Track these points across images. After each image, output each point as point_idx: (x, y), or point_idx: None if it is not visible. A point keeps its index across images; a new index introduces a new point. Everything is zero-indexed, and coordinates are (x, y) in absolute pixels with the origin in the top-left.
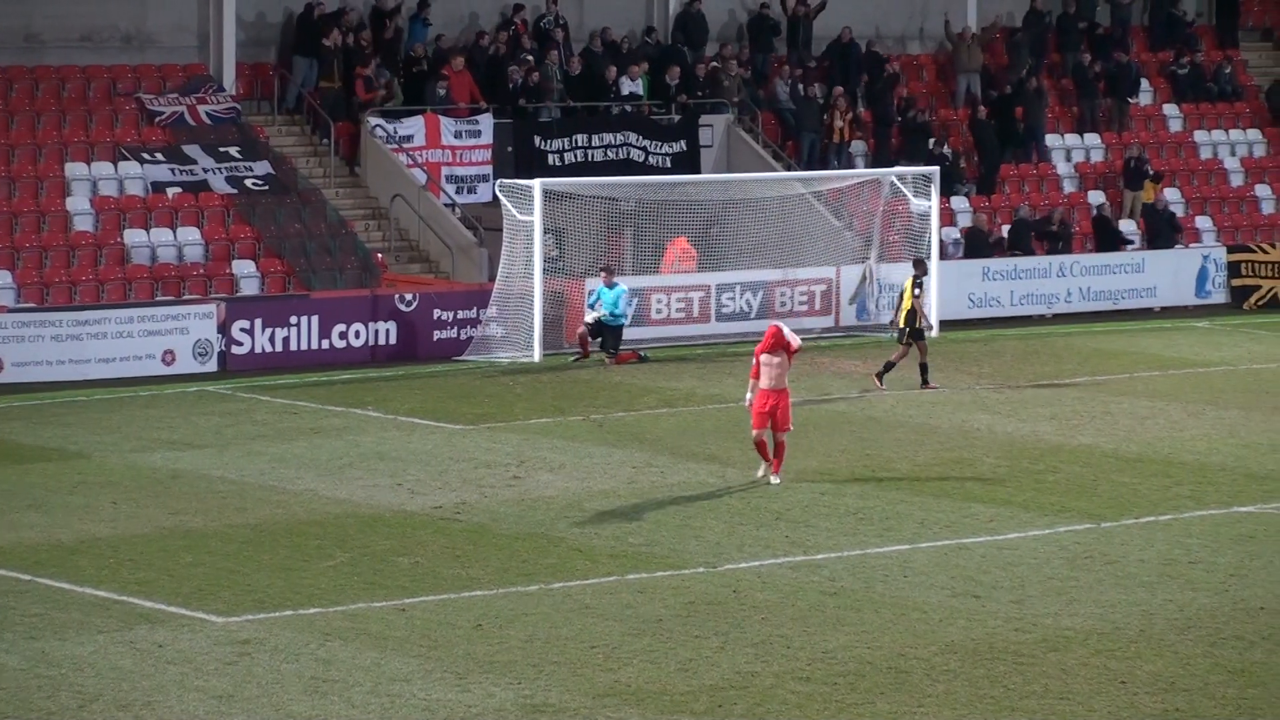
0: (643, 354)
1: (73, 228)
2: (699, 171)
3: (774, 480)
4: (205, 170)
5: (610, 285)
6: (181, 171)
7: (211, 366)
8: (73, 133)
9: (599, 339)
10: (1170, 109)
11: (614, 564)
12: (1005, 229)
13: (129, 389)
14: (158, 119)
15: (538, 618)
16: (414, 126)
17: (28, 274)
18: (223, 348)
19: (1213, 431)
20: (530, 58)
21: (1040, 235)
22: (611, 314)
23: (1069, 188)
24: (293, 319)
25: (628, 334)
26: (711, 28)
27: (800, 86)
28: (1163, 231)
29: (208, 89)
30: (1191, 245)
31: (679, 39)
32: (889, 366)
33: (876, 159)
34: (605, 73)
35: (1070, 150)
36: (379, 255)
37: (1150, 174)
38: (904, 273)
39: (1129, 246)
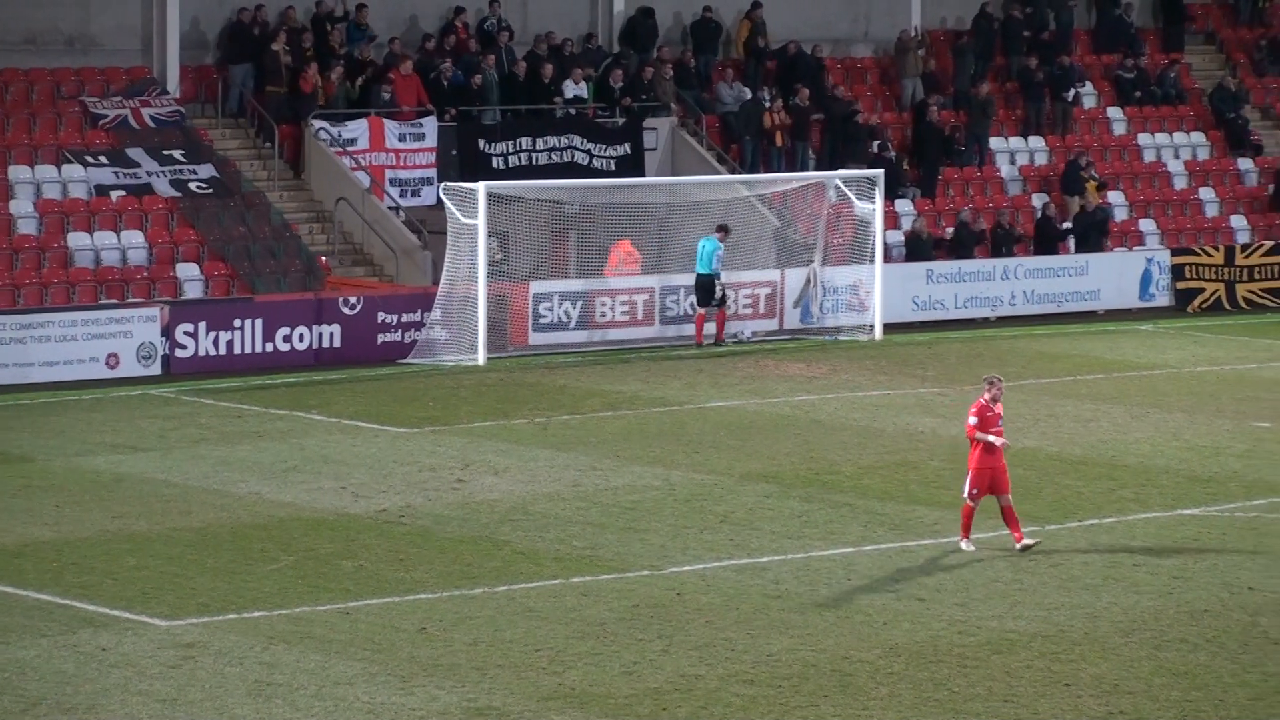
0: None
1: (16, 231)
2: (643, 174)
3: (1030, 542)
4: (149, 173)
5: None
6: (125, 174)
7: (155, 370)
8: (16, 135)
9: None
10: (1114, 112)
11: (558, 567)
12: (949, 231)
13: (72, 392)
14: (101, 122)
15: (482, 621)
16: (358, 130)
17: None
18: (166, 351)
19: (1156, 434)
20: (450, 59)
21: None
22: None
23: (1013, 190)
24: (237, 322)
25: (575, 337)
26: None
27: (743, 89)
28: (1090, 235)
29: (151, 92)
30: (1135, 248)
31: (627, 42)
32: None
33: (820, 162)
34: (546, 75)
35: (1014, 153)
36: (323, 258)
37: (1096, 180)
38: (849, 275)
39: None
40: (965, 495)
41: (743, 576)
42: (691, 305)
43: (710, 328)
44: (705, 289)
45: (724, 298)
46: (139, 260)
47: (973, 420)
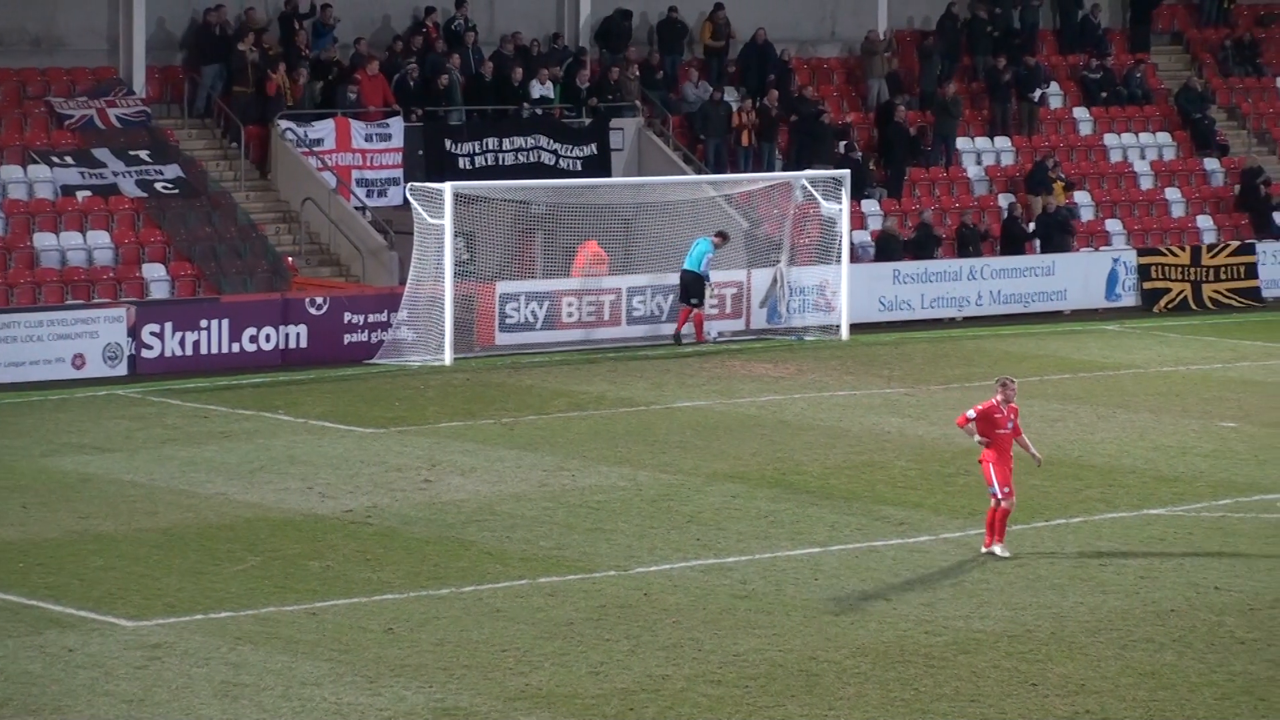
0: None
1: None
2: (609, 174)
3: (1004, 553)
4: (115, 174)
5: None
6: (91, 175)
7: (121, 370)
8: None
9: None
10: (1080, 112)
11: (525, 567)
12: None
13: (38, 393)
14: (67, 122)
15: (449, 621)
16: (324, 130)
17: None
18: (133, 351)
19: (1123, 434)
20: (416, 60)
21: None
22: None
23: (979, 191)
24: (203, 322)
25: (542, 337)
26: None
27: (709, 89)
28: (1053, 236)
29: (117, 92)
30: (1101, 248)
31: (601, 42)
32: None
33: (786, 162)
34: (513, 76)
35: (980, 153)
36: (289, 259)
37: (1063, 180)
38: (815, 275)
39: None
40: (999, 498)
41: (710, 576)
42: (658, 305)
43: (686, 326)
44: (687, 286)
45: (701, 301)
46: (105, 260)
47: (970, 414)
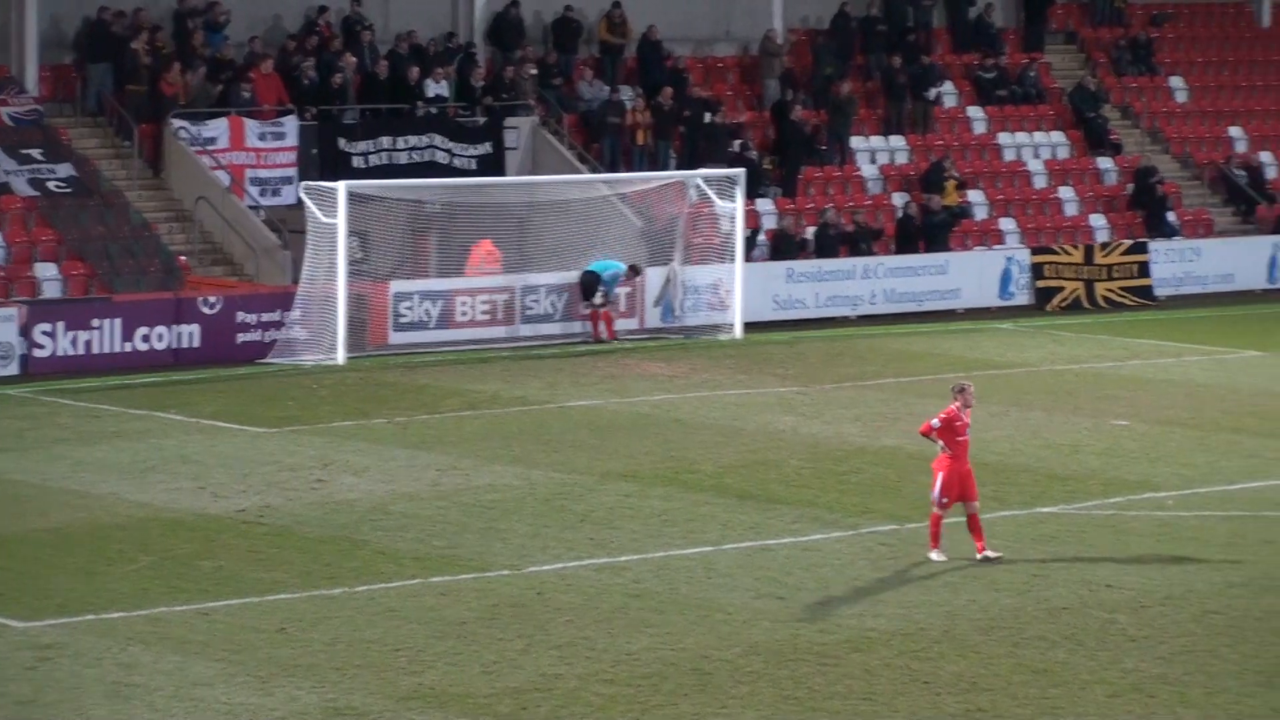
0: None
1: None
2: (504, 174)
3: (992, 555)
4: (7, 172)
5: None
6: None
7: (13, 370)
8: None
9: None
10: (974, 111)
11: (418, 567)
12: (811, 231)
13: None
14: None
15: (341, 621)
16: (218, 129)
17: None
18: (24, 351)
19: (1015, 433)
20: (312, 58)
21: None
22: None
23: (874, 189)
24: (95, 322)
25: (436, 336)
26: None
27: (603, 88)
28: (938, 235)
29: (9, 90)
30: (995, 247)
31: (493, 39)
32: None
33: (681, 161)
34: (409, 75)
35: (875, 152)
36: (182, 258)
37: (957, 178)
38: (709, 274)
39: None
40: (934, 503)
41: (603, 575)
42: (552, 304)
43: (598, 325)
44: (586, 286)
45: (605, 301)
46: None
47: (934, 423)
